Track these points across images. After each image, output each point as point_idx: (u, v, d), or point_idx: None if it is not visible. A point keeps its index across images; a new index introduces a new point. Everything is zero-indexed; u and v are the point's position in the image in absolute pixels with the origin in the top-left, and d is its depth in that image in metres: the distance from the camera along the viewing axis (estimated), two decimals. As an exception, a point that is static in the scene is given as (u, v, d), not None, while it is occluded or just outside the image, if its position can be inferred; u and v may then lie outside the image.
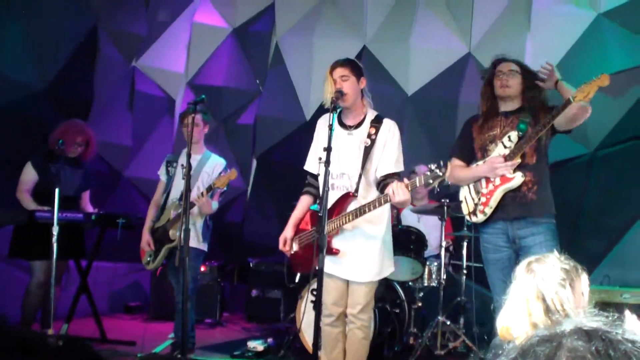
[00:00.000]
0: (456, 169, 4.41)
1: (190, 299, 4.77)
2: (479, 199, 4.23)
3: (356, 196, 4.20)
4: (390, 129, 4.28)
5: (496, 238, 4.17)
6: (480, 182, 4.23)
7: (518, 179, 4.04)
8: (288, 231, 4.49)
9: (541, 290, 2.26)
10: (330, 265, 4.16)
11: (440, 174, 3.81)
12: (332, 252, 4.18)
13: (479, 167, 4.25)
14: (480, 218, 4.22)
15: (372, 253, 4.27)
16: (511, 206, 4.08)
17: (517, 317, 2.30)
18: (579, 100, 3.75)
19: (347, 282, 4.40)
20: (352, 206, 4.17)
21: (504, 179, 4.10)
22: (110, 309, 8.02)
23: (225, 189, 5.24)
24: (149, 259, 5.42)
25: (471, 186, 4.33)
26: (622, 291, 5.62)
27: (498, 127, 4.23)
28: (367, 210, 4.06)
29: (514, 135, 4.09)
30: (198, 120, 5.06)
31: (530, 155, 4.05)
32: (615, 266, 6.04)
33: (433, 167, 3.82)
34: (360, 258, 4.25)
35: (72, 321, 6.05)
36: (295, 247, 4.45)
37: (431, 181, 3.82)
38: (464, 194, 4.39)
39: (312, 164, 4.47)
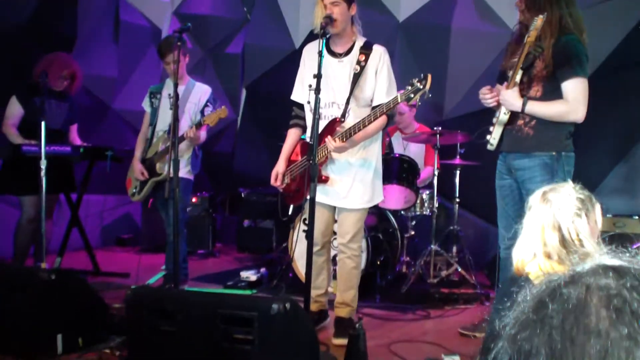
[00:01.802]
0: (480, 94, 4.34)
1: (181, 231, 4.75)
2: (489, 128, 4.18)
3: (343, 121, 4.14)
4: (380, 56, 4.20)
5: (501, 166, 4.15)
6: (498, 110, 4.14)
7: (502, 116, 3.97)
8: (279, 166, 4.45)
9: (557, 220, 2.25)
10: (319, 194, 4.15)
11: (420, 86, 3.76)
12: (322, 179, 4.17)
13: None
14: (490, 147, 4.17)
15: (363, 180, 4.26)
16: (508, 138, 4.02)
17: (531, 248, 2.29)
18: (530, 41, 3.66)
19: (335, 212, 4.40)
20: (340, 133, 4.12)
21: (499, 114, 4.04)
22: (102, 241, 8.04)
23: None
24: (134, 190, 5.39)
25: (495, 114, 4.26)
26: (615, 220, 5.63)
27: (520, 54, 4.09)
28: (352, 134, 4.01)
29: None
30: (185, 48, 4.94)
31: (535, 88, 3.93)
32: (609, 194, 6.04)
33: (414, 80, 3.77)
34: (350, 185, 4.24)
35: (64, 255, 6.07)
36: (287, 180, 4.43)
37: (412, 95, 3.78)
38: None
39: (298, 93, 4.43)
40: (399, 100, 3.88)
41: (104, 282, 5.74)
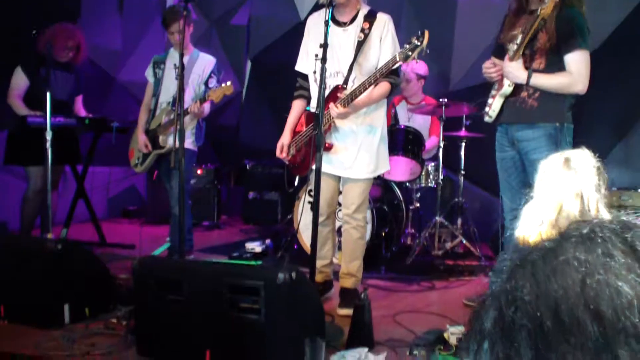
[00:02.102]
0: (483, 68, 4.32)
1: (186, 202, 4.75)
2: (488, 101, 4.16)
3: (345, 88, 4.12)
4: (385, 24, 4.18)
5: (502, 138, 4.12)
6: (497, 82, 4.12)
7: (506, 88, 3.95)
8: (285, 137, 4.45)
9: (582, 188, 2.23)
10: (324, 163, 4.15)
11: (418, 43, 3.75)
12: (325, 147, 4.15)
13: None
14: (487, 119, 4.16)
15: (368, 149, 4.25)
16: (510, 110, 4.00)
17: (540, 216, 2.27)
18: (545, 13, 3.62)
19: (339, 181, 4.40)
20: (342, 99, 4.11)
21: (500, 85, 4.02)
22: (108, 213, 8.07)
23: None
24: (137, 161, 5.40)
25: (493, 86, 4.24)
26: (620, 193, 5.62)
27: (520, 27, 4.04)
28: (353, 98, 4.00)
29: (520, 38, 3.93)
30: (190, 18, 4.84)
31: (538, 62, 3.90)
32: (614, 168, 6.03)
33: (412, 38, 3.76)
34: (356, 155, 4.24)
35: (71, 226, 6.09)
36: (292, 151, 4.42)
37: (410, 53, 3.77)
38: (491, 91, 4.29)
39: (303, 64, 4.41)
40: (398, 60, 3.85)
41: (110, 253, 5.76)
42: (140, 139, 5.30)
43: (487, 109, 4.12)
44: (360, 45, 4.14)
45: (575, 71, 3.76)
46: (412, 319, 4.16)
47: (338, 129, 4.24)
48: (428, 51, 3.82)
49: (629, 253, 0.69)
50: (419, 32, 3.78)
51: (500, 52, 4.15)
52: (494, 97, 4.07)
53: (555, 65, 3.81)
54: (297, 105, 4.52)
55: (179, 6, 4.70)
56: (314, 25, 4.33)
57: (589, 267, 0.69)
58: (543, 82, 3.82)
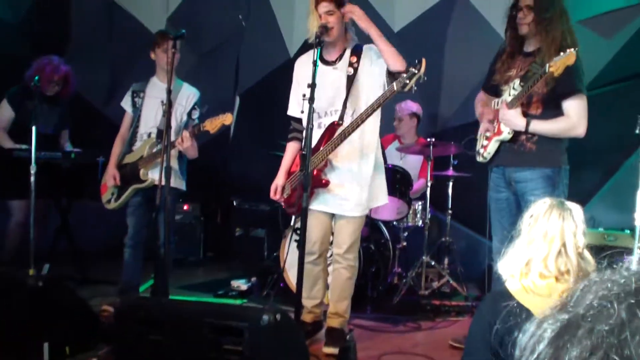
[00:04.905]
0: (478, 103, 4.33)
1: (170, 242, 4.63)
2: (482, 142, 4.17)
3: (341, 124, 4.12)
4: (373, 52, 4.20)
5: (497, 179, 4.13)
6: (491, 124, 4.13)
7: (505, 135, 3.97)
8: (279, 179, 4.43)
9: (573, 234, 2.28)
10: (318, 202, 4.14)
11: (415, 71, 3.76)
12: (322, 183, 4.14)
13: (487, 110, 4.19)
14: (481, 160, 4.17)
15: (362, 184, 4.24)
16: (508, 154, 4.01)
17: (525, 258, 2.27)
18: (555, 72, 3.62)
19: (333, 220, 4.37)
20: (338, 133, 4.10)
21: (498, 131, 4.03)
22: (91, 248, 7.96)
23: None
24: (110, 197, 5.14)
25: (483, 126, 4.24)
26: (606, 234, 5.62)
27: (515, 69, 4.05)
28: (348, 133, 4.00)
29: (517, 83, 3.95)
30: (178, 46, 4.59)
31: (535, 107, 3.92)
32: (600, 208, 6.04)
33: (409, 67, 3.76)
34: (350, 190, 4.21)
35: (53, 260, 6.00)
36: (287, 191, 4.39)
37: (407, 82, 3.77)
38: (480, 131, 4.30)
39: (294, 108, 4.39)
40: (395, 89, 3.86)
41: (91, 289, 5.67)
42: (110, 171, 5.07)
43: (481, 150, 4.14)
44: (351, 80, 4.16)
45: (575, 116, 3.81)
46: (398, 360, 4.11)
47: (334, 166, 4.22)
48: (426, 78, 3.83)
49: None
50: (416, 60, 3.80)
51: (493, 90, 4.18)
52: (488, 139, 4.08)
53: (553, 110, 3.85)
54: (291, 147, 4.50)
55: (167, 32, 4.64)
56: (302, 68, 4.34)
57: None
58: (542, 128, 3.85)
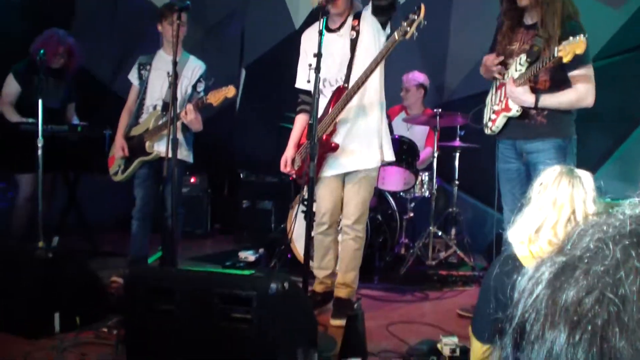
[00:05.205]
0: (487, 60, 4.28)
1: (178, 214, 4.63)
2: (490, 115, 4.15)
3: (347, 87, 4.11)
4: (372, 17, 4.17)
5: (506, 150, 4.11)
6: (497, 96, 4.11)
7: (513, 112, 3.94)
8: (289, 152, 4.43)
9: (583, 201, 2.28)
10: (329, 168, 4.15)
11: (415, 17, 3.75)
12: (332, 147, 4.14)
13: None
14: (489, 132, 4.16)
15: (369, 139, 4.24)
16: (518, 127, 3.99)
17: (535, 225, 2.28)
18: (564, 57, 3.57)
19: (343, 187, 4.34)
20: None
21: (506, 106, 3.99)
22: (100, 220, 8.00)
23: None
24: (117, 169, 5.15)
25: (490, 98, 4.22)
26: (613, 203, 5.61)
27: (518, 42, 4.00)
28: (354, 92, 4.00)
29: (523, 59, 3.91)
30: (184, 19, 4.64)
31: (543, 81, 3.89)
32: (607, 177, 6.02)
33: (409, 14, 3.80)
34: (357, 146, 4.22)
35: (62, 233, 6.04)
36: (298, 163, 4.39)
37: (408, 29, 3.77)
38: (487, 100, 4.27)
39: (302, 81, 4.36)
40: (397, 38, 3.85)
41: (101, 261, 5.71)
42: (117, 142, 5.08)
43: (489, 123, 4.12)
44: (354, 42, 4.15)
45: (583, 87, 3.79)
46: (405, 329, 4.14)
47: (342, 128, 4.22)
48: (426, 22, 3.81)
49: None
50: (415, 7, 3.79)
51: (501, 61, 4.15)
52: (497, 113, 4.05)
53: (560, 82, 3.83)
54: (300, 119, 4.50)
55: (175, 3, 4.60)
56: (309, 42, 4.31)
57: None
58: (551, 102, 3.83)
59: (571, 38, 3.51)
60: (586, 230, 0.76)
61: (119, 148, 5.07)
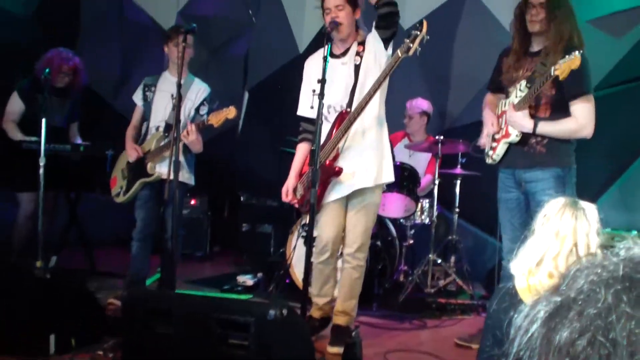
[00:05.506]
0: (485, 105, 4.33)
1: (178, 236, 4.62)
2: (492, 145, 4.16)
3: (349, 111, 4.10)
4: (375, 37, 4.15)
5: (506, 179, 4.12)
6: (498, 124, 4.13)
7: (513, 137, 3.95)
8: (290, 181, 4.38)
9: (587, 234, 2.25)
10: (331, 191, 4.13)
11: (418, 32, 3.76)
12: (335, 172, 4.11)
13: (491, 114, 4.20)
14: (491, 162, 4.17)
15: (370, 160, 4.19)
16: (517, 155, 4.00)
17: (536, 257, 2.27)
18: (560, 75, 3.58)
19: (345, 214, 4.31)
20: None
21: (506, 133, 4.01)
22: (100, 240, 7.98)
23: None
24: (119, 190, 5.16)
25: (486, 130, 4.24)
26: (613, 234, 5.60)
27: (522, 69, 4.03)
28: (356, 115, 3.99)
29: (524, 85, 3.93)
30: (190, 41, 4.68)
31: (544, 109, 3.91)
32: (608, 208, 6.01)
33: (411, 31, 3.80)
34: (358, 166, 4.17)
35: (62, 253, 6.02)
36: (300, 192, 4.36)
37: (411, 45, 3.78)
38: (483, 134, 4.30)
39: (305, 108, 4.35)
40: (400, 55, 3.85)
41: (99, 281, 5.69)
42: (128, 149, 5.06)
43: (490, 152, 4.13)
44: (358, 67, 4.15)
45: (582, 117, 3.80)
46: (403, 358, 4.12)
47: (344, 152, 4.20)
48: (429, 37, 3.82)
49: None
50: (417, 23, 3.80)
51: (498, 88, 4.17)
52: (497, 141, 4.07)
53: (561, 111, 3.84)
54: (301, 148, 4.46)
55: (180, 28, 4.64)
56: (312, 68, 4.31)
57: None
58: (550, 130, 3.84)
59: (567, 56, 3.53)
60: (582, 271, 0.78)
61: (132, 151, 5.04)
